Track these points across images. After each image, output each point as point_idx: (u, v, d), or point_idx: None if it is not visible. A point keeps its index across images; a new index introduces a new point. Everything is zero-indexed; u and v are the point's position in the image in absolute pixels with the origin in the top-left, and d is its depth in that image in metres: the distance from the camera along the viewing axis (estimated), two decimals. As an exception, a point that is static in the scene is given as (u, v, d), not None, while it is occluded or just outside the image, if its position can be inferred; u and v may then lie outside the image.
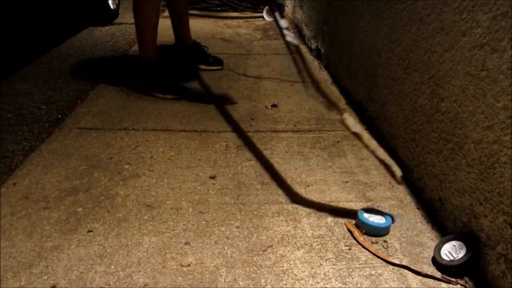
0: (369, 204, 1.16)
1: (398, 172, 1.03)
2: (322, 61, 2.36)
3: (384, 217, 1.07)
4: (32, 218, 1.06)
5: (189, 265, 0.94)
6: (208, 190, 1.21)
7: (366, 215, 1.07)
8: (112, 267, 0.92)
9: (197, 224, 1.07)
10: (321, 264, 0.96)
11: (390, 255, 0.98)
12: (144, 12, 1.80)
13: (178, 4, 2.11)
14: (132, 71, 1.90)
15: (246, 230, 1.06)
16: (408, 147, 1.26)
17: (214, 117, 1.66)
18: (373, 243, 1.02)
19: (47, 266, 0.92)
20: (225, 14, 3.74)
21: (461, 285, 0.91)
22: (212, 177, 1.25)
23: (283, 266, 0.94)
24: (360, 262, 0.96)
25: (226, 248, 0.99)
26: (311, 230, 1.06)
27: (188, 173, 1.28)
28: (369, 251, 0.99)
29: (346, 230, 1.07)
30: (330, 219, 1.11)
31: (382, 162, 1.05)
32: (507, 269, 0.82)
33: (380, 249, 1.00)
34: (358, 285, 0.90)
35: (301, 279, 0.91)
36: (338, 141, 1.51)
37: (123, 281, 0.89)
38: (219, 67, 2.20)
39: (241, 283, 0.90)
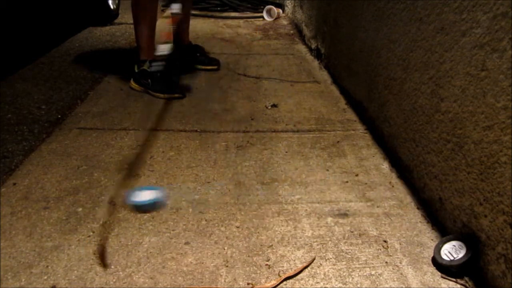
0: (369, 204, 1.16)
1: None
2: (322, 61, 2.36)
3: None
4: (32, 218, 1.06)
5: (189, 265, 0.94)
6: (208, 190, 1.21)
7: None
8: (112, 267, 0.92)
9: (197, 224, 1.07)
10: (321, 264, 0.96)
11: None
12: (143, 11, 1.80)
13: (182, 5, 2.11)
14: (131, 71, 1.90)
15: (246, 230, 1.06)
16: (408, 147, 1.26)
17: (214, 117, 1.66)
18: (372, 243, 1.02)
19: (47, 266, 0.92)
20: (225, 14, 3.74)
21: (461, 285, 0.91)
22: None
23: (283, 266, 0.94)
24: (360, 262, 0.96)
25: (226, 248, 0.99)
26: (311, 230, 1.06)
27: (188, 173, 1.28)
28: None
29: (346, 230, 1.07)
30: (330, 219, 1.11)
31: None
32: (507, 269, 0.82)
33: (380, 249, 1.01)
34: (358, 285, 0.90)
35: (301, 279, 0.91)
36: (338, 141, 1.51)
37: (123, 281, 0.89)
38: (215, 67, 2.21)
39: (241, 283, 0.90)
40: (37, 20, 2.64)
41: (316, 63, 2.41)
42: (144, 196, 1.10)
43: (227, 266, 0.94)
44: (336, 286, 0.90)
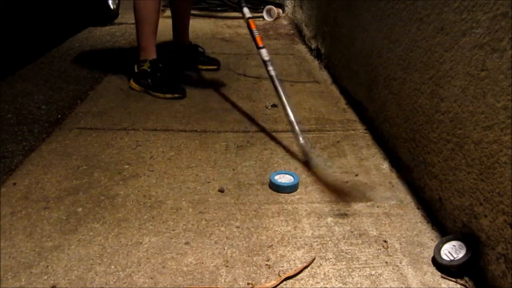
0: (369, 204, 1.16)
1: None
2: (322, 61, 2.36)
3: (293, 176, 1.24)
4: (32, 218, 1.06)
5: (189, 265, 0.94)
6: (208, 190, 1.21)
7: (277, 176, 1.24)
8: (112, 267, 0.92)
9: (197, 224, 1.07)
10: (321, 264, 0.96)
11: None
12: (144, 11, 1.80)
13: (181, 4, 2.12)
14: (131, 71, 1.90)
15: (246, 230, 1.06)
16: (408, 147, 1.26)
17: (214, 117, 1.66)
18: (372, 243, 1.02)
19: (47, 266, 0.92)
20: (225, 14, 3.74)
21: (461, 285, 0.91)
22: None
23: (283, 266, 0.94)
24: (360, 262, 0.96)
25: (226, 248, 0.99)
26: (311, 230, 1.06)
27: (188, 173, 1.28)
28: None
29: (346, 230, 1.07)
30: (330, 219, 1.11)
31: None
32: (507, 269, 0.82)
33: (380, 249, 1.01)
34: (358, 285, 0.90)
35: (301, 279, 0.91)
36: (338, 141, 1.51)
37: (123, 281, 0.89)
38: (215, 67, 2.21)
39: (241, 283, 0.90)
40: (37, 20, 2.63)
41: (316, 63, 2.41)
42: (285, 178, 1.24)
43: (227, 266, 0.94)
44: (336, 286, 0.90)
